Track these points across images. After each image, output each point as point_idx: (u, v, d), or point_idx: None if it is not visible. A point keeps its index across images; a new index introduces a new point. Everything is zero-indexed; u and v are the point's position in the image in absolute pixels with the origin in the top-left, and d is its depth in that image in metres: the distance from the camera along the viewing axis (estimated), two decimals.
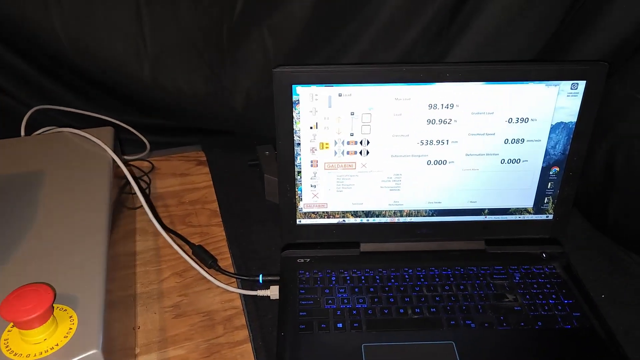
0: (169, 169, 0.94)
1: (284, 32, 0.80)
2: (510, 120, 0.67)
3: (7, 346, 0.45)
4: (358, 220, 0.73)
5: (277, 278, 0.71)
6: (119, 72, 0.82)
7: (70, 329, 0.46)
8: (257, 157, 0.91)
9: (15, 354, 0.44)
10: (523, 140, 0.68)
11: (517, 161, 0.70)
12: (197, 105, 0.88)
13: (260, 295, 0.70)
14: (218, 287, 0.70)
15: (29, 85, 0.92)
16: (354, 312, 0.66)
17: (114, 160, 0.70)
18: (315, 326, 0.64)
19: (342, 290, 0.69)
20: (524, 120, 0.67)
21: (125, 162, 0.75)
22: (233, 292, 0.70)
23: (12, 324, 0.46)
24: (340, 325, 0.64)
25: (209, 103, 0.88)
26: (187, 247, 0.76)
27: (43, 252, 0.54)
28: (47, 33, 0.81)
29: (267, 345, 0.64)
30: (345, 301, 0.68)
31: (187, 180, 0.91)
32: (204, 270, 0.71)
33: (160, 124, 1.00)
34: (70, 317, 0.47)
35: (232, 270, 0.74)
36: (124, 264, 0.66)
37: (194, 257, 0.73)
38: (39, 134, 0.84)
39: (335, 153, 0.69)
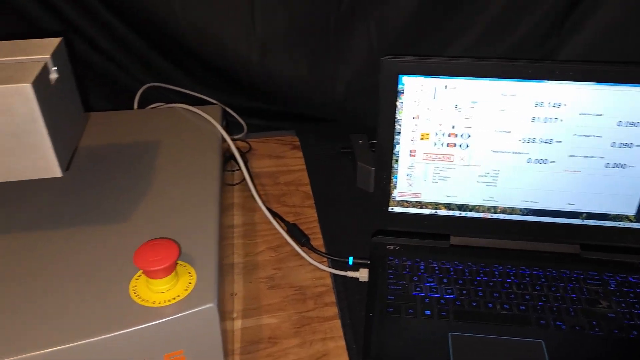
0: (265, 151, 0.98)
1: (389, 24, 0.82)
2: (619, 123, 0.65)
3: (135, 292, 0.49)
4: (450, 212, 0.74)
5: (367, 262, 0.74)
6: (229, 55, 0.87)
7: (190, 283, 0.50)
8: (351, 145, 0.94)
9: (142, 300, 0.49)
10: (631, 144, 0.67)
11: (623, 166, 0.68)
12: (299, 91, 0.92)
13: (350, 276, 0.72)
14: (310, 264, 0.74)
15: (142, 63, 0.99)
16: (442, 301, 0.67)
17: (222, 136, 0.75)
18: (402, 310, 0.66)
19: (430, 279, 0.70)
20: (635, 124, 0.65)
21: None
22: (324, 270, 0.73)
23: (139, 273, 0.51)
24: (428, 312, 0.66)
25: (311, 90, 0.91)
26: (281, 225, 0.79)
27: (162, 213, 0.59)
28: (166, 15, 0.87)
29: (355, 324, 0.67)
30: (434, 290, 0.69)
31: (282, 163, 0.95)
32: (298, 247, 0.74)
33: (257, 108, 1.05)
34: (189, 272, 0.52)
35: (323, 250, 0.77)
36: (227, 234, 0.71)
37: (289, 234, 0.76)
38: (152, 108, 0.90)
39: (435, 144, 0.70)
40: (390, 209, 0.75)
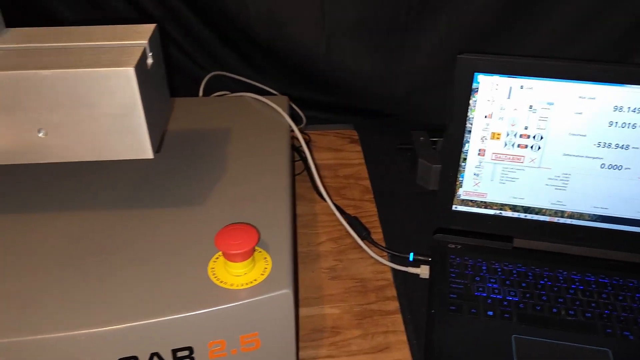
0: (325, 143, 0.99)
1: (459, 20, 0.81)
2: None
3: (214, 274, 0.51)
4: (515, 214, 0.73)
5: (428, 259, 0.74)
6: (296, 46, 0.88)
7: (265, 268, 0.52)
8: (412, 141, 0.94)
9: (221, 281, 0.50)
10: None
11: None
12: (362, 85, 0.92)
13: (411, 272, 0.72)
14: (371, 257, 0.74)
15: (208, 51, 1.01)
16: (505, 303, 0.67)
17: (290, 127, 0.76)
18: (465, 310, 0.66)
19: (492, 280, 0.70)
20: None
21: None
22: (385, 264, 0.73)
23: (217, 255, 0.53)
24: (490, 313, 0.65)
25: (374, 84, 0.91)
26: (342, 217, 0.80)
27: (236, 199, 0.60)
28: (237, 6, 0.88)
29: (415, 319, 0.67)
30: (496, 291, 0.68)
31: (341, 156, 0.96)
32: (360, 240, 0.75)
33: (317, 100, 1.05)
34: (265, 258, 0.53)
35: (383, 244, 0.77)
36: (294, 223, 0.72)
37: (351, 227, 0.77)
38: (217, 95, 0.92)
39: (505, 144, 0.69)
40: (454, 207, 0.75)
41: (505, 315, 0.65)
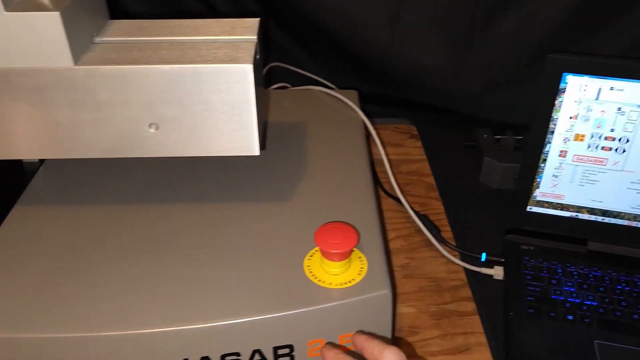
0: (384, 138, 0.97)
1: (540, 19, 0.80)
2: None
3: (310, 272, 0.51)
4: (592, 217, 0.72)
5: (501, 260, 0.73)
6: (367, 40, 0.87)
7: (362, 268, 0.51)
8: (475, 138, 0.92)
9: (320, 280, 0.50)
10: None
11: None
12: (433, 80, 0.91)
13: (484, 272, 0.72)
14: (442, 257, 0.73)
15: (269, 42, 1.00)
16: (584, 307, 0.66)
17: (364, 122, 0.75)
18: (543, 313, 0.65)
19: (569, 283, 0.69)
20: None
21: None
22: (457, 264, 0.73)
23: (311, 253, 0.52)
24: (570, 317, 0.65)
25: (447, 80, 0.90)
26: (408, 214, 0.79)
27: (321, 195, 0.60)
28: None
29: (491, 321, 0.66)
30: (574, 295, 0.67)
31: (402, 151, 0.95)
32: (434, 239, 0.74)
33: (371, 93, 1.04)
34: (359, 257, 0.52)
35: (452, 243, 0.76)
36: None
37: (421, 224, 0.76)
38: (277, 88, 0.91)
39: (589, 147, 0.68)
40: (528, 208, 0.73)
41: (585, 319, 0.64)
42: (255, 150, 0.48)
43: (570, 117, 0.67)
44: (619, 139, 0.66)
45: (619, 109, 0.65)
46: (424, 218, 0.78)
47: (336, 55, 0.97)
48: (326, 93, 0.81)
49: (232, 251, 0.52)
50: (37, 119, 0.44)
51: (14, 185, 0.62)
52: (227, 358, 0.47)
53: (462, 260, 0.74)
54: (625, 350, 0.61)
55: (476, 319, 0.66)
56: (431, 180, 0.89)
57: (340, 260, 0.50)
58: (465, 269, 0.72)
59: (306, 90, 0.83)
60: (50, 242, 0.52)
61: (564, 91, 0.65)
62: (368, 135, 0.96)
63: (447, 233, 0.78)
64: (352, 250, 0.51)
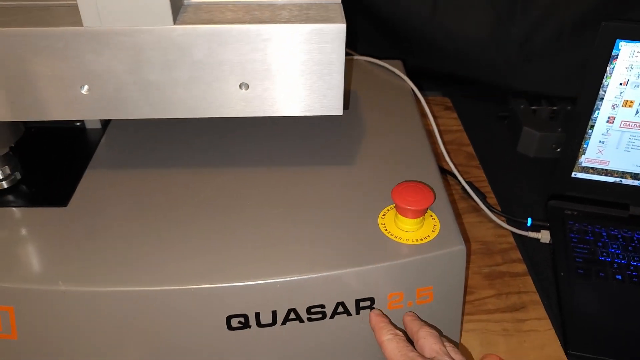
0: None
1: None
2: None
3: (386, 229, 0.52)
4: (636, 182, 0.74)
5: (545, 224, 0.75)
6: (409, 11, 0.88)
7: (435, 226, 0.53)
8: (511, 109, 0.94)
9: (397, 237, 0.52)
10: None
11: None
12: (473, 52, 0.92)
13: (530, 236, 0.74)
14: (489, 221, 0.76)
15: None
16: (631, 267, 0.68)
17: (413, 91, 0.76)
18: (593, 273, 0.68)
19: (614, 246, 0.71)
20: None
21: None
22: (505, 228, 0.75)
23: (384, 211, 0.54)
24: (619, 277, 0.67)
25: (486, 51, 0.91)
26: (453, 181, 0.81)
27: (384, 158, 0.62)
28: None
29: (542, 281, 0.69)
30: (620, 257, 0.70)
31: (438, 122, 0.96)
32: (482, 203, 0.76)
33: (409, 67, 1.05)
34: (431, 216, 0.54)
35: (498, 209, 0.78)
36: None
37: (468, 191, 0.78)
38: None
39: (637, 112, 0.69)
40: (573, 174, 0.76)
41: (634, 279, 0.67)
42: (339, 110, 0.49)
43: (620, 84, 0.68)
44: None
45: None
46: (470, 185, 0.79)
47: (373, 27, 0.97)
48: (372, 63, 0.82)
49: (309, 211, 0.54)
50: (133, 78, 0.45)
51: (80, 151, 0.63)
52: (313, 309, 0.49)
53: (509, 224, 0.76)
54: None
55: (528, 279, 0.68)
56: (470, 149, 0.90)
57: (415, 217, 0.51)
58: (513, 233, 0.75)
59: (351, 61, 0.84)
60: (124, 205, 0.54)
61: (616, 57, 0.67)
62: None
63: (492, 199, 0.80)
64: (427, 209, 0.53)
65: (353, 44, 1.01)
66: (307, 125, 0.66)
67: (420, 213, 0.51)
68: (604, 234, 0.73)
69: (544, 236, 0.73)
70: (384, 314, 0.50)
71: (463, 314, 0.62)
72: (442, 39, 0.92)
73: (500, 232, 0.75)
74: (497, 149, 0.92)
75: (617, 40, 0.66)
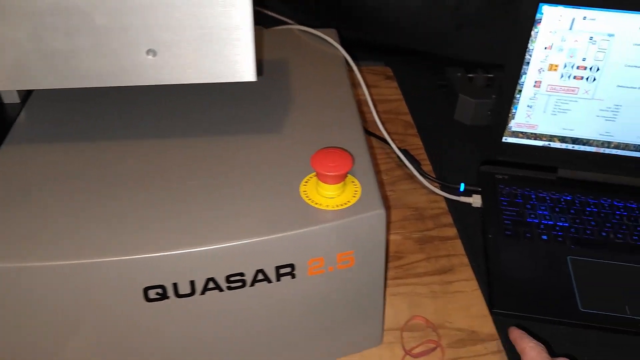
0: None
1: None
2: None
3: (307, 196, 0.52)
4: (563, 145, 0.76)
5: (477, 189, 0.76)
6: None
7: (356, 191, 0.53)
8: (447, 77, 0.95)
9: (317, 203, 0.51)
10: None
11: None
12: (408, 21, 0.92)
13: (463, 201, 0.75)
14: (422, 188, 0.77)
15: None
16: (557, 228, 0.70)
17: (346, 59, 0.76)
18: (520, 234, 0.69)
19: (542, 207, 0.73)
20: None
21: None
22: (438, 194, 0.76)
23: (306, 179, 0.54)
24: (544, 237, 0.69)
25: (420, 20, 0.91)
26: (389, 150, 0.82)
27: (311, 126, 0.61)
28: None
29: (472, 244, 0.70)
30: (547, 218, 0.72)
31: (377, 92, 0.96)
32: (414, 170, 0.77)
33: (346, 37, 1.04)
34: (353, 182, 0.54)
35: (432, 176, 0.79)
36: None
37: (402, 158, 0.78)
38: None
39: (562, 76, 0.71)
40: (504, 139, 0.77)
41: (559, 239, 0.69)
42: (252, 76, 0.48)
43: (545, 48, 0.69)
44: (590, 68, 0.70)
45: (591, 38, 0.68)
46: (404, 152, 0.80)
47: None
48: (305, 31, 0.81)
49: (230, 180, 0.53)
50: (33, 47, 0.43)
51: None
52: (232, 278, 0.49)
53: (442, 190, 0.77)
54: (595, 263, 0.66)
55: (458, 242, 0.69)
56: (408, 118, 0.91)
57: (336, 183, 0.51)
58: (445, 199, 0.76)
59: (284, 30, 0.83)
60: (37, 179, 0.52)
61: (540, 22, 0.67)
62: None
63: (427, 166, 0.81)
64: (347, 174, 0.53)
65: (295, 15, 1.00)
66: (232, 94, 0.64)
67: (339, 178, 0.51)
68: (533, 196, 0.75)
69: (476, 200, 0.75)
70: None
71: (386, 278, 0.63)
72: (378, 8, 0.92)
73: (433, 198, 0.76)
74: (435, 117, 0.92)
75: (540, 4, 0.66)
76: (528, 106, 0.74)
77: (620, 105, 0.71)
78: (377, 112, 0.84)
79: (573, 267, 0.65)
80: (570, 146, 0.76)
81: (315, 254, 0.51)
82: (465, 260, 0.67)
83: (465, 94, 0.90)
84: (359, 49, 1.05)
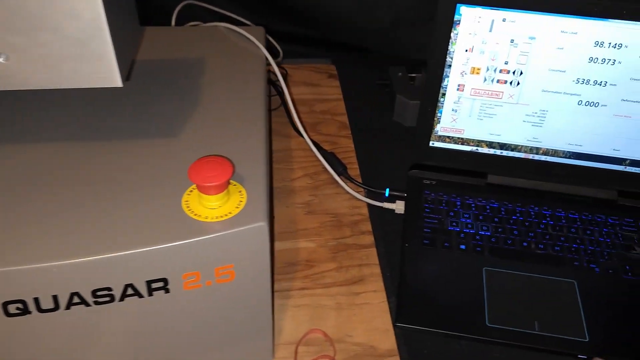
0: (301, 78, 0.96)
1: None
2: None
3: (188, 207, 0.50)
4: (491, 151, 0.74)
5: (404, 194, 0.74)
6: None
7: (241, 201, 0.51)
8: (389, 77, 0.92)
9: (195, 214, 0.49)
10: None
11: None
12: (342, 17, 0.89)
13: (386, 207, 0.73)
14: (347, 193, 0.74)
15: None
16: (477, 237, 0.68)
17: (266, 59, 0.73)
18: (438, 243, 0.67)
19: (466, 215, 0.71)
20: None
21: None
22: (361, 200, 0.73)
23: (191, 188, 0.52)
24: (463, 247, 0.67)
25: (354, 16, 0.88)
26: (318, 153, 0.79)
27: (210, 132, 0.59)
28: None
29: (390, 253, 0.68)
30: (469, 226, 0.69)
31: (318, 91, 0.94)
32: (337, 175, 0.74)
33: (295, 33, 1.02)
34: (240, 191, 0.52)
35: (359, 180, 0.77)
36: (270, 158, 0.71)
37: (327, 162, 0.76)
38: (192, 25, 0.88)
39: (485, 80, 0.68)
40: (431, 143, 0.74)
41: (477, 248, 0.67)
42: (117, 82, 0.46)
43: (466, 50, 0.66)
44: (513, 72, 0.67)
45: (512, 40, 0.65)
46: (330, 155, 0.78)
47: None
48: (232, 30, 0.78)
49: (111, 189, 0.51)
50: None
51: None
52: (99, 293, 0.47)
53: (367, 196, 0.75)
54: (510, 275, 0.64)
55: (373, 251, 0.67)
56: (344, 119, 0.88)
57: (217, 193, 0.49)
58: (369, 205, 0.73)
59: (212, 27, 0.80)
60: None
61: (459, 23, 0.65)
62: (285, 75, 0.95)
63: (355, 170, 0.79)
64: (229, 183, 0.51)
65: (243, 12, 0.97)
66: (134, 96, 0.62)
67: (218, 189, 0.49)
68: (459, 203, 0.72)
69: (399, 207, 0.73)
70: None
71: (273, 291, 0.61)
72: (316, 4, 0.89)
73: (355, 204, 0.74)
74: (375, 118, 0.90)
75: (458, 4, 0.64)
76: (453, 110, 0.71)
77: (547, 111, 0.69)
78: (311, 112, 0.82)
79: (487, 279, 0.63)
80: (498, 152, 0.73)
81: (189, 268, 0.49)
82: (378, 270, 0.65)
83: (402, 95, 0.87)
84: (309, 46, 1.03)
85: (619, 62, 0.64)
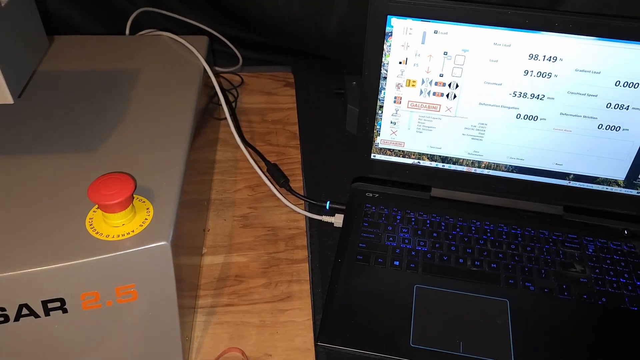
0: (257, 86, 0.95)
1: None
2: (617, 83, 0.61)
3: (91, 225, 0.49)
4: (433, 164, 0.72)
5: (344, 207, 0.73)
6: None
7: (146, 219, 0.50)
8: (344, 86, 0.91)
9: (97, 232, 0.48)
10: (628, 107, 0.63)
11: (617, 129, 0.65)
12: (292, 25, 0.88)
13: (325, 220, 0.72)
14: (286, 206, 0.73)
15: None
16: (413, 253, 0.67)
17: (205, 69, 0.72)
18: (372, 259, 0.66)
19: (405, 230, 0.69)
20: (634, 85, 0.61)
21: (217, 73, 0.77)
22: (300, 213, 0.72)
23: (96, 206, 0.51)
24: (396, 263, 0.65)
25: (303, 24, 0.87)
26: (262, 164, 0.78)
27: (129, 145, 0.58)
28: None
29: (323, 268, 0.67)
30: (406, 241, 0.68)
31: (272, 100, 0.93)
32: (276, 188, 0.73)
33: (254, 40, 1.01)
34: (147, 208, 0.51)
35: (302, 192, 0.76)
36: (203, 170, 0.70)
37: (267, 174, 0.75)
38: (141, 34, 0.87)
39: (421, 92, 0.67)
40: (372, 155, 0.73)
41: (412, 264, 0.65)
42: (7, 98, 0.45)
43: (400, 62, 0.65)
44: (449, 84, 0.65)
45: (445, 52, 0.63)
46: (273, 167, 0.77)
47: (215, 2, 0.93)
48: (174, 39, 0.78)
49: (13, 204, 0.50)
50: None
51: None
52: None
53: (308, 209, 0.73)
54: (441, 293, 0.62)
55: (305, 266, 0.66)
56: (295, 129, 0.87)
57: (119, 211, 0.48)
58: (308, 218, 0.72)
59: (156, 37, 0.80)
60: None
61: (391, 35, 0.63)
62: (240, 83, 0.94)
63: (298, 182, 0.77)
64: (133, 200, 0.50)
65: (201, 20, 0.96)
66: (56, 109, 0.61)
67: (119, 207, 0.48)
68: (399, 217, 0.71)
69: (338, 220, 0.71)
70: None
71: (196, 308, 0.60)
72: (271, 13, 0.88)
73: (294, 217, 0.72)
74: (327, 128, 0.89)
75: (389, 16, 0.62)
76: (392, 122, 0.70)
77: (485, 124, 0.67)
78: (262, 122, 0.81)
79: (417, 297, 0.62)
80: (440, 165, 0.72)
81: (88, 288, 0.48)
82: (307, 286, 0.64)
83: (354, 105, 0.86)
84: (271, 53, 1.02)
85: (555, 76, 0.62)
